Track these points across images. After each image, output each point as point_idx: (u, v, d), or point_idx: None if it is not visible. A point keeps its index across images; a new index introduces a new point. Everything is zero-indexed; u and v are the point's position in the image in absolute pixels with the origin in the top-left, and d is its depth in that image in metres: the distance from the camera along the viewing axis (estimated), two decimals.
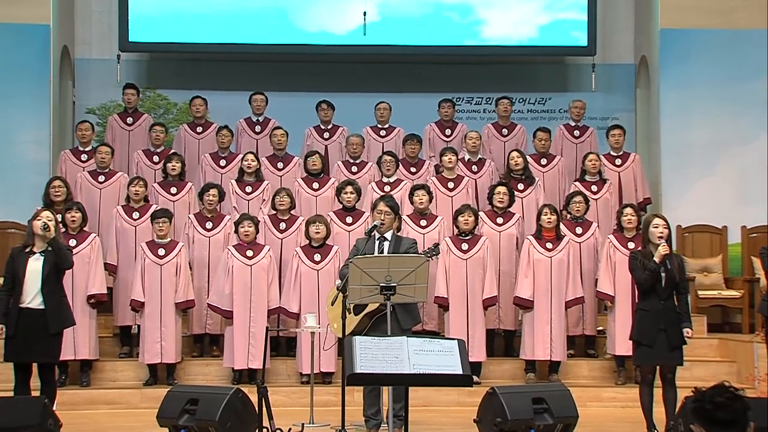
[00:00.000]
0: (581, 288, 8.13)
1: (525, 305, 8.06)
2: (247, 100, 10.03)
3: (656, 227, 6.51)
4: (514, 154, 9.09)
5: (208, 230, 8.48)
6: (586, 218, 8.50)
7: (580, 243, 8.41)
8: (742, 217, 9.85)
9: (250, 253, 8.03)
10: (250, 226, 8.03)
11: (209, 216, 8.52)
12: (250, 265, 8.01)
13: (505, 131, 10.04)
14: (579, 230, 8.45)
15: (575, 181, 9.22)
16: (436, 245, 6.69)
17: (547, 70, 11.37)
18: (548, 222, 8.06)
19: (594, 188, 9.09)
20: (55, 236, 6.47)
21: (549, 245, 8.06)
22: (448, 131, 10.01)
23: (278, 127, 9.56)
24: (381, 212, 6.64)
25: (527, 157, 9.24)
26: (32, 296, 6.43)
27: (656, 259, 6.40)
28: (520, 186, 8.99)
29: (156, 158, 9.45)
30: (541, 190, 9.07)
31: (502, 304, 8.34)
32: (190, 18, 10.69)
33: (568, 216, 8.58)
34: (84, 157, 9.38)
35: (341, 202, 8.50)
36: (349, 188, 8.40)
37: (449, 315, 8.06)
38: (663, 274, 6.39)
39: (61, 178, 8.60)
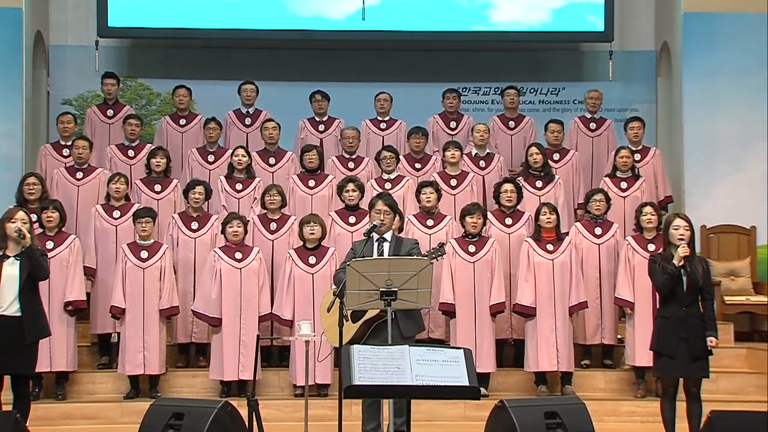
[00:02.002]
0: (584, 292, 8.12)
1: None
2: (236, 90, 10.03)
3: (677, 228, 6.52)
4: (533, 149, 9.07)
5: (194, 231, 8.49)
6: (606, 218, 8.51)
7: (599, 245, 8.42)
8: None
9: (238, 255, 8.05)
10: (239, 226, 8.04)
11: (195, 215, 8.53)
12: (239, 269, 8.02)
13: (512, 124, 10.04)
14: (598, 231, 8.45)
15: (605, 177, 9.21)
16: (442, 245, 6.69)
17: (561, 58, 11.38)
18: (547, 222, 8.06)
19: (624, 185, 9.09)
20: (31, 245, 6.48)
21: (549, 247, 8.06)
22: (453, 124, 10.01)
23: (270, 120, 9.56)
24: (380, 211, 6.65)
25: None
26: (9, 303, 6.44)
27: (675, 261, 6.41)
28: (539, 183, 9.00)
29: (131, 153, 9.45)
30: (561, 188, 9.05)
31: (514, 313, 8.33)
32: (174, 1, 10.70)
33: (587, 215, 8.59)
34: (66, 152, 9.35)
35: (343, 201, 8.49)
36: (351, 185, 8.39)
37: (455, 322, 8.06)
38: (684, 278, 6.41)
39: (36, 174, 8.60)
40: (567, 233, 8.40)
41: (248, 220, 8.31)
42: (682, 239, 6.48)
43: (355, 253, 6.43)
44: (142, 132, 9.68)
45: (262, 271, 8.08)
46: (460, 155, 9.11)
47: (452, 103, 10.02)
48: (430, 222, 8.46)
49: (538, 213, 8.14)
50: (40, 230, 7.86)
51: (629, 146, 9.42)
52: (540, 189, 8.98)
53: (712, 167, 10.14)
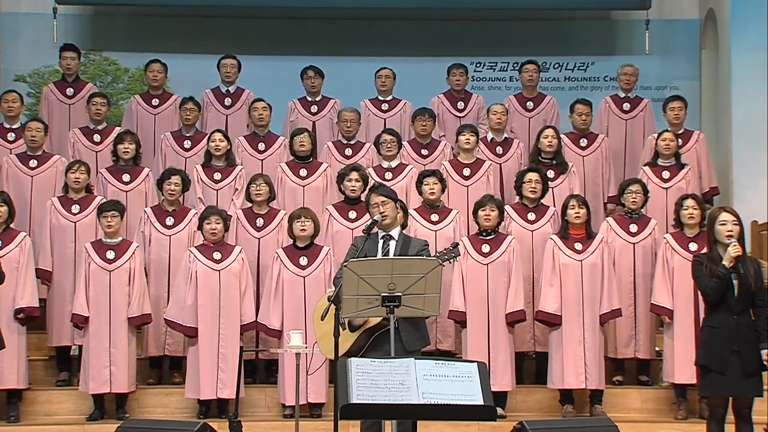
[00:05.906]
0: (618, 298, 8.10)
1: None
2: (215, 65, 10.02)
3: (723, 224, 6.50)
4: (549, 132, 9.04)
5: (169, 227, 8.48)
6: (643, 213, 8.48)
7: (634, 244, 8.39)
8: None
9: (217, 255, 8.03)
10: (218, 222, 8.02)
11: (170, 210, 8.53)
12: (218, 270, 8.00)
13: (530, 104, 10.02)
14: (634, 228, 8.41)
15: (644, 166, 9.16)
16: (456, 245, 6.65)
17: (590, 29, 11.39)
18: (576, 217, 8.03)
19: (666, 174, 9.04)
20: None
21: (578, 246, 8.04)
22: (460, 104, 9.99)
23: (259, 99, 9.55)
24: (376, 204, 6.62)
25: (563, 136, 9.21)
26: None
27: (725, 262, 6.38)
28: (551, 173, 8.95)
29: (97, 137, 9.43)
30: (576, 178, 9.04)
31: (537, 321, 8.29)
32: None
33: (621, 209, 8.57)
34: (11, 135, 9.35)
35: (343, 192, 8.48)
36: (355, 174, 8.38)
37: (467, 333, 8.04)
38: (735, 282, 6.40)
39: None
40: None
41: (229, 216, 8.29)
42: (731, 236, 6.44)
43: (357, 250, 6.39)
44: (108, 113, 9.64)
45: (244, 274, 8.07)
46: (476, 140, 9.08)
47: (459, 80, 9.98)
48: (434, 217, 8.43)
49: (565, 207, 8.11)
50: None
51: (672, 130, 9.37)
52: (552, 180, 8.91)
53: (765, 154, 10.12)
